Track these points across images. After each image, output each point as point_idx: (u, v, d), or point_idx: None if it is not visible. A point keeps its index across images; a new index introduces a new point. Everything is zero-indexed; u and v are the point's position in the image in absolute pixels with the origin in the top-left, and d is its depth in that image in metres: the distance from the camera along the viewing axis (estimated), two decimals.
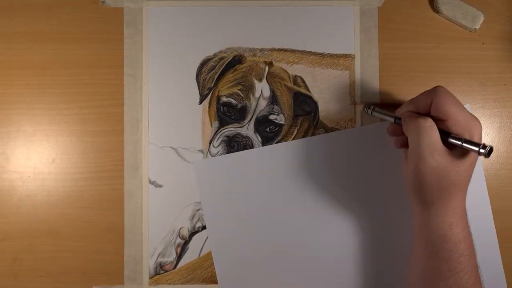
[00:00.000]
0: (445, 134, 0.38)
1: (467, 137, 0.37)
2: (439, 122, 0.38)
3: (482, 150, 0.35)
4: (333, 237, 0.47)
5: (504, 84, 0.49)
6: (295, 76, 0.49)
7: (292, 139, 0.48)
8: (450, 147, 0.38)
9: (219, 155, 0.48)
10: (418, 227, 0.41)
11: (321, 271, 0.47)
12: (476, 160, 0.39)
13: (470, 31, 0.49)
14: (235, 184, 0.47)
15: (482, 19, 0.48)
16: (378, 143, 0.47)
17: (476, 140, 0.37)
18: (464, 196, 0.39)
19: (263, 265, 0.47)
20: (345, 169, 0.48)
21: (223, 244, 0.47)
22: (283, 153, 0.48)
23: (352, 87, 0.49)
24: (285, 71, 0.48)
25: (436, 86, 0.40)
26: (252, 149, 0.48)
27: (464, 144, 0.36)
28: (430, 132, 0.38)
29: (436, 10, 0.48)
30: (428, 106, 0.39)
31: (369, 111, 0.46)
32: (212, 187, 0.47)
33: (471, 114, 0.38)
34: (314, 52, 0.49)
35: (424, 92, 0.40)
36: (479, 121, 0.38)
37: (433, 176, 0.38)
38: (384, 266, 0.47)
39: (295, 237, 0.47)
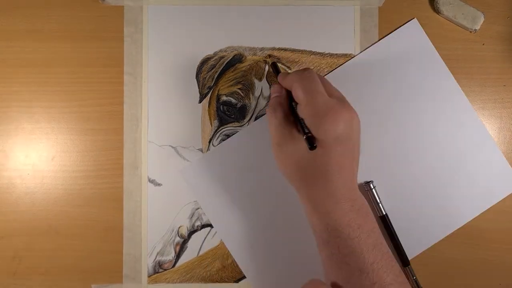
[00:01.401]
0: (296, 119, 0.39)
1: (314, 129, 0.37)
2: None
3: (306, 140, 0.35)
4: None
5: (504, 85, 0.49)
6: None
7: None
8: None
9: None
10: (307, 216, 0.41)
11: None
12: (332, 149, 0.37)
13: (471, 32, 0.49)
14: (227, 175, 0.48)
15: (482, 19, 0.48)
16: None
17: (322, 128, 0.36)
18: (340, 184, 0.38)
19: (281, 245, 0.47)
20: None
21: (233, 237, 0.47)
22: (259, 130, 0.48)
23: None
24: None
25: (303, 69, 0.40)
26: (228, 139, 0.48)
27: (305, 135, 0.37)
28: (272, 117, 0.40)
29: (436, 10, 0.48)
30: (291, 87, 0.40)
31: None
32: (205, 187, 0.48)
33: (329, 101, 0.37)
34: (314, 52, 0.49)
35: (294, 71, 0.40)
36: (333, 110, 0.36)
37: (290, 165, 0.39)
38: None
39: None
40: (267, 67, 0.48)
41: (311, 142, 0.36)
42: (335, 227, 0.37)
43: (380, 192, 0.46)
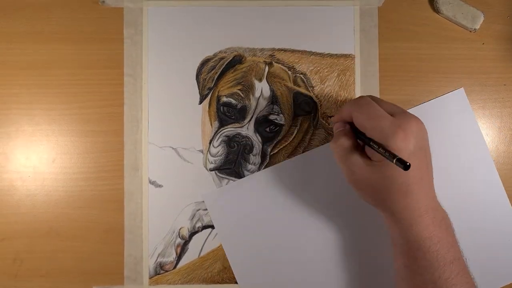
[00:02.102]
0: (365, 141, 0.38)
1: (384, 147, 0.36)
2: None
3: (397, 163, 0.34)
4: (347, 243, 0.48)
5: (504, 84, 0.49)
6: (295, 76, 0.49)
7: (292, 139, 0.48)
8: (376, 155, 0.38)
9: (219, 155, 0.48)
10: (387, 228, 0.41)
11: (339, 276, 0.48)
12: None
13: (470, 31, 0.49)
14: (247, 208, 0.48)
15: (482, 19, 0.48)
16: None
17: (394, 148, 0.35)
18: (422, 195, 0.38)
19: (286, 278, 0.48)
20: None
21: (244, 266, 0.48)
22: (289, 171, 0.48)
23: (352, 87, 0.49)
24: (285, 71, 0.48)
25: (358, 98, 0.39)
26: (259, 172, 0.48)
27: (381, 153, 0.36)
28: (339, 147, 0.39)
29: (436, 10, 0.48)
30: (351, 118, 0.39)
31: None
32: (225, 214, 0.48)
33: (394, 121, 0.36)
34: (314, 52, 0.49)
35: (348, 102, 0.40)
36: (401, 128, 0.36)
37: (366, 189, 0.39)
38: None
39: (314, 248, 0.48)
40: (267, 68, 0.48)
41: (403, 162, 0.34)
42: (416, 240, 0.37)
43: None
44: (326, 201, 0.48)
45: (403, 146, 0.36)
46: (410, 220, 0.38)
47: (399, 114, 0.38)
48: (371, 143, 0.37)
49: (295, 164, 0.48)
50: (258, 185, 0.48)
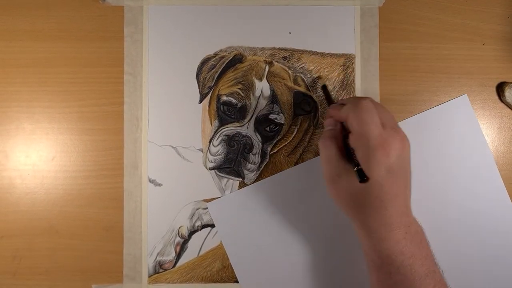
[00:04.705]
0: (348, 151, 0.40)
1: (366, 160, 0.37)
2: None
3: (356, 173, 0.37)
4: (349, 252, 0.48)
5: None
6: (296, 75, 0.49)
7: (292, 139, 0.48)
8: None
9: (219, 154, 0.48)
10: (359, 241, 0.41)
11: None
12: (384, 180, 0.37)
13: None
14: (251, 215, 0.48)
15: None
16: None
17: (373, 160, 0.36)
18: (395, 212, 0.37)
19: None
20: None
21: (248, 274, 0.48)
22: (292, 179, 0.48)
23: (352, 86, 0.49)
24: (286, 70, 0.48)
25: (360, 100, 0.39)
26: (262, 180, 0.48)
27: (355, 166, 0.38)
28: (325, 150, 0.40)
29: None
30: (346, 117, 0.40)
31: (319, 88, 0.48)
32: (230, 223, 0.48)
33: (381, 134, 0.37)
34: (314, 52, 0.49)
35: (350, 103, 0.40)
36: (386, 143, 0.36)
37: (342, 196, 0.39)
38: None
39: (318, 255, 0.48)
40: (267, 67, 0.48)
41: (362, 175, 0.36)
42: (388, 255, 0.37)
43: None
44: (328, 207, 0.48)
45: (382, 160, 0.36)
46: (380, 234, 0.37)
47: (389, 128, 0.38)
48: (349, 147, 0.39)
49: (298, 172, 0.48)
50: (261, 194, 0.48)
